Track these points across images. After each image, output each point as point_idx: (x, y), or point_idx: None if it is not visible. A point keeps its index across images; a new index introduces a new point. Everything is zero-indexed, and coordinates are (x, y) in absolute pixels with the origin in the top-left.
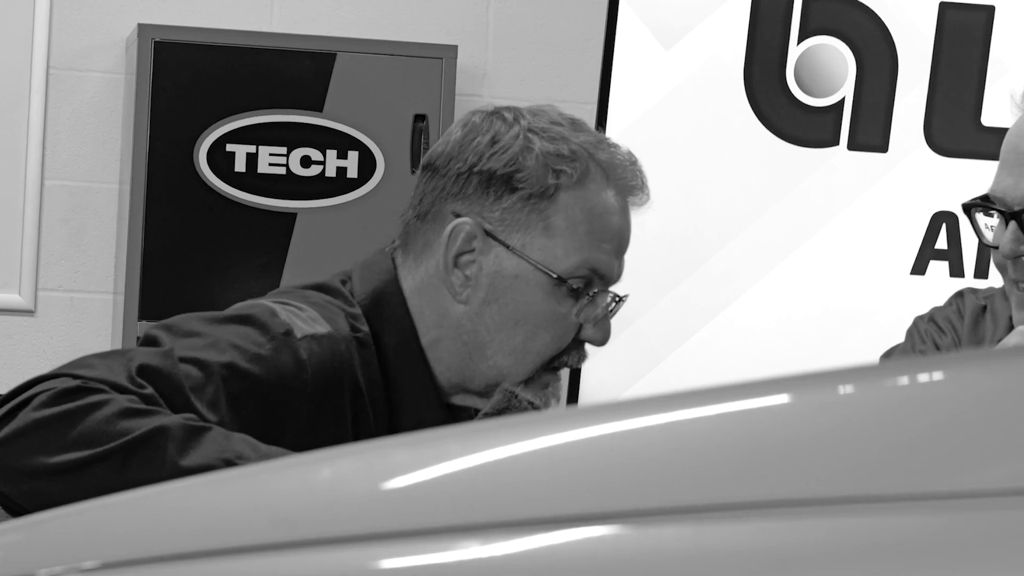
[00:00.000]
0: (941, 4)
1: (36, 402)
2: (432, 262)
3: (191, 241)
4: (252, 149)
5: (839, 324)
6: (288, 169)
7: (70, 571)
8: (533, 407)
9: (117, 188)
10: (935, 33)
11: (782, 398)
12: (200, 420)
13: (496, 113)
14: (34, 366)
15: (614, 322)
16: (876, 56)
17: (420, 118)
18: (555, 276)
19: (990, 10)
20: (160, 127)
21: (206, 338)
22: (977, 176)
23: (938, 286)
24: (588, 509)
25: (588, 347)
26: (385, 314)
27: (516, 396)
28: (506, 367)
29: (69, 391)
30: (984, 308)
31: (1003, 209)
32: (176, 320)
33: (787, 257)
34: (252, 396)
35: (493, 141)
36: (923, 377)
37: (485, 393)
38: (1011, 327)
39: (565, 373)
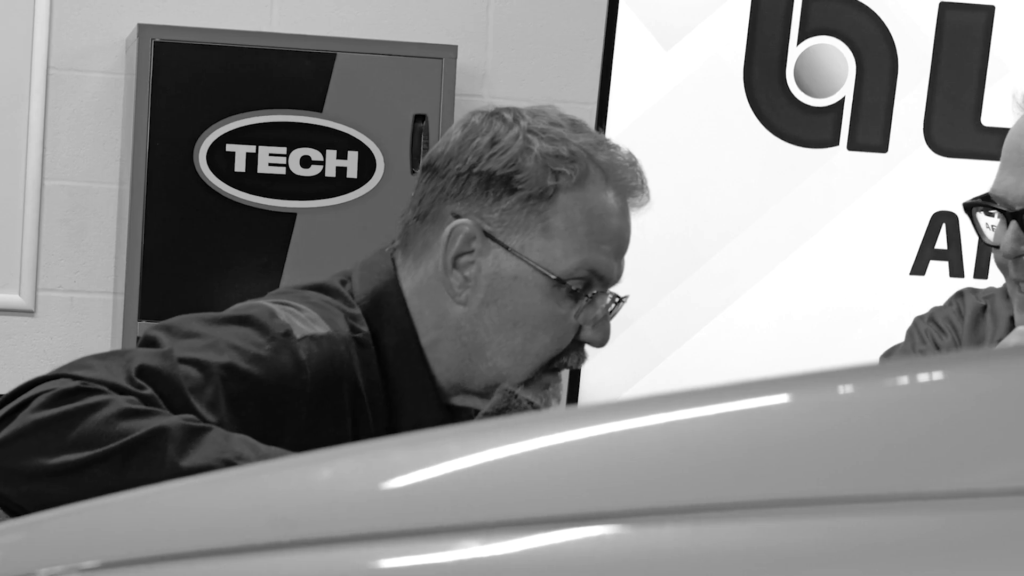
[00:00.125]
0: (941, 4)
1: (35, 403)
2: (431, 263)
3: (191, 241)
4: (252, 149)
5: (839, 324)
6: (288, 169)
7: (70, 571)
8: (533, 407)
9: (117, 188)
10: (935, 33)
11: (782, 398)
12: (199, 421)
13: (496, 114)
14: (34, 366)
15: (614, 322)
16: (876, 56)
17: (420, 118)
18: (554, 277)
19: (990, 10)
20: (160, 127)
21: (205, 339)
22: (977, 176)
23: (938, 286)
24: (588, 509)
25: (588, 348)
26: (385, 315)
27: (516, 396)
28: (505, 368)
29: (68, 392)
30: (984, 308)
31: (1004, 209)
32: (175, 321)
33: (787, 257)
34: (251, 397)
35: (493, 142)
36: (923, 377)
37: (485, 394)
38: (1011, 327)
39: (565, 373)
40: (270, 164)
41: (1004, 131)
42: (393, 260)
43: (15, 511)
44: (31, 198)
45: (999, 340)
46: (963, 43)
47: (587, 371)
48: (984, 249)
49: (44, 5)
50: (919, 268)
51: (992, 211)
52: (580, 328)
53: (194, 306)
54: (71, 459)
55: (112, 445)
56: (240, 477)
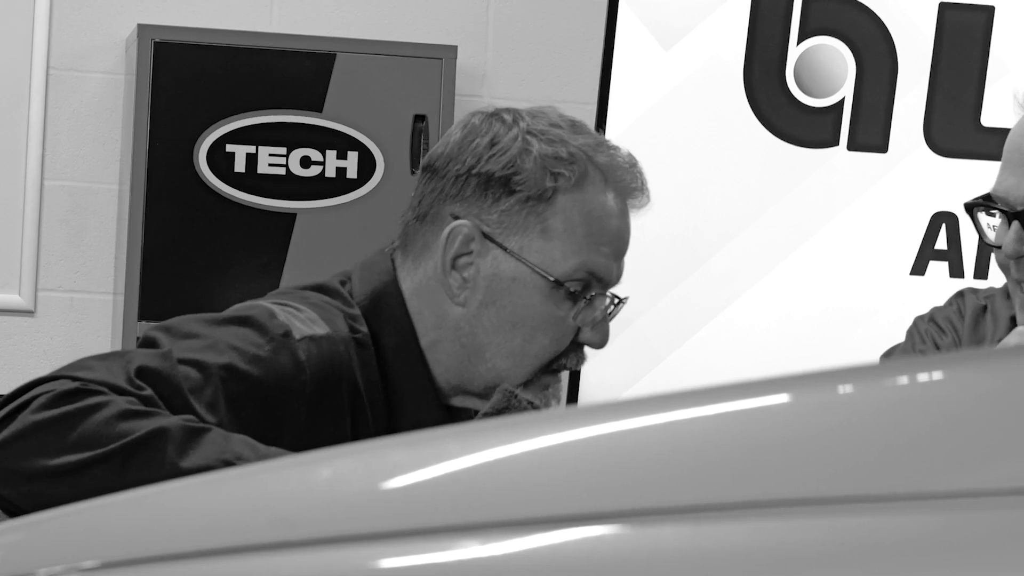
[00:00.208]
0: (941, 4)
1: (35, 404)
2: (431, 264)
3: (191, 241)
4: (252, 149)
5: (839, 324)
6: (288, 169)
7: (70, 571)
8: (533, 407)
9: (117, 188)
10: (935, 33)
11: (782, 398)
12: (199, 421)
13: (496, 115)
14: (34, 366)
15: (614, 323)
16: (876, 56)
17: (420, 118)
18: (552, 279)
19: (990, 10)
20: (160, 127)
21: (205, 339)
22: (977, 176)
23: (938, 286)
24: (587, 509)
25: (587, 349)
26: (384, 315)
27: (516, 396)
28: (504, 369)
29: (68, 393)
30: (984, 308)
31: (1005, 209)
32: (175, 322)
33: (787, 257)
34: (251, 397)
35: (492, 143)
36: (923, 377)
37: (484, 395)
38: (1012, 327)
39: (565, 374)
40: (270, 164)
41: (1004, 131)
42: (393, 261)
43: (15, 513)
44: (31, 198)
45: (999, 340)
46: (963, 43)
47: (587, 371)
48: (984, 249)
49: (44, 5)
50: (919, 268)
51: (993, 211)
52: (579, 329)
53: (194, 306)
54: (71, 460)
55: (112, 446)
56: (240, 477)
